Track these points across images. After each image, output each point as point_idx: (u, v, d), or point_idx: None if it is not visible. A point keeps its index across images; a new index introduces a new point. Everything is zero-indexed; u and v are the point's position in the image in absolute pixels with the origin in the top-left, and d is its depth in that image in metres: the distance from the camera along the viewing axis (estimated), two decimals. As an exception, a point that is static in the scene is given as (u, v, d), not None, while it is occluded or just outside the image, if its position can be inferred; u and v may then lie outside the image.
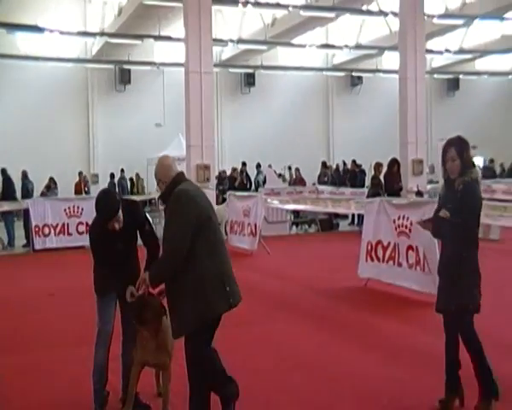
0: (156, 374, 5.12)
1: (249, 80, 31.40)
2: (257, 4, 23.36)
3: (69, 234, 15.60)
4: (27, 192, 17.91)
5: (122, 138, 28.32)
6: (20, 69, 27.08)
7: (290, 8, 22.94)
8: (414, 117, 17.26)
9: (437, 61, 33.02)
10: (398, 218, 9.08)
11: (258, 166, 24.03)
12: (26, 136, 26.58)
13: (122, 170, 24.87)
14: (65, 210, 15.69)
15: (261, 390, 5.23)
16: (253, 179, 22.96)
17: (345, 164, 24.99)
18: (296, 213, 18.82)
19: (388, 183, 15.10)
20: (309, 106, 32.38)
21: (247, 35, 28.49)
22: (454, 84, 35.26)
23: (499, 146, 30.94)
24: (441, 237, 4.86)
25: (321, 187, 21.08)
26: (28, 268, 13.45)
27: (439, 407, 4.74)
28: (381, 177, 15.74)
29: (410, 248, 8.79)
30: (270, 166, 24.09)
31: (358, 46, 29.89)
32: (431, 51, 27.39)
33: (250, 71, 31.15)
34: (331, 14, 23.42)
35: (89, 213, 15.56)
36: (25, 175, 18.43)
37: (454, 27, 26.40)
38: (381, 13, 24.67)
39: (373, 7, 24.87)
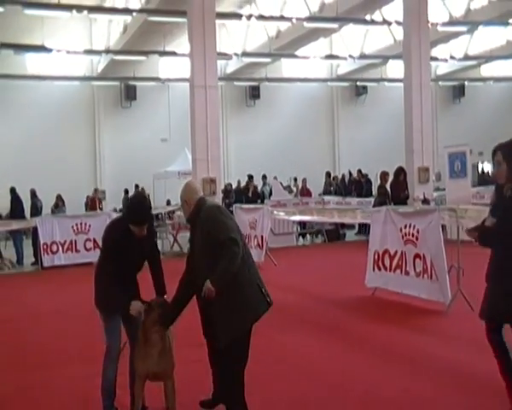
0: (164, 388, 5.08)
1: (254, 93, 31.52)
2: (261, 17, 23.54)
3: (77, 251, 15.62)
4: (37, 210, 17.99)
5: (128, 154, 28.47)
6: (27, 89, 27.35)
7: (294, 21, 23.07)
8: (419, 125, 17.26)
9: (442, 69, 33.03)
10: (405, 226, 9.05)
11: (264, 177, 24.05)
12: (34, 154, 26.77)
13: (136, 185, 24.85)
14: (72, 227, 15.72)
15: (268, 400, 5.19)
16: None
17: (350, 174, 24.98)
18: (302, 224, 18.80)
19: (394, 191, 15.07)
20: (314, 117, 32.44)
21: (251, 48, 28.65)
22: (459, 91, 35.25)
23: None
24: (488, 246, 4.60)
25: (327, 197, 21.06)
26: (37, 286, 13.47)
27: None
28: (388, 186, 15.71)
29: (417, 256, 8.74)
30: (275, 178, 24.08)
31: (363, 56, 29.99)
32: (436, 59, 27.45)
33: (255, 84, 31.28)
34: (335, 25, 23.50)
35: (96, 229, 15.61)
36: (33, 193, 18.52)
37: (458, 34, 26.45)
38: (385, 22, 24.78)
39: (376, 16, 24.97)
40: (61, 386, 6.11)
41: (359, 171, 22.80)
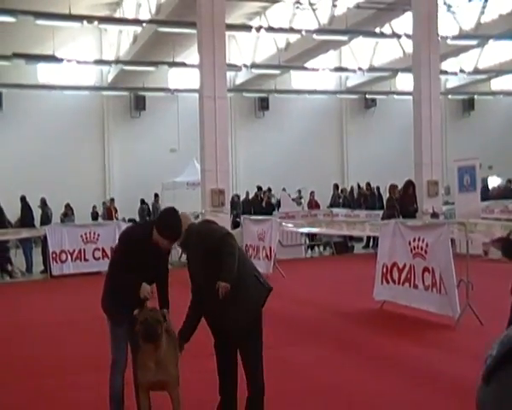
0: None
1: (263, 104, 31.60)
2: (270, 29, 23.63)
3: (86, 260, 15.68)
4: (47, 219, 18.07)
5: (137, 164, 28.58)
6: (38, 98, 27.57)
7: (303, 33, 23.15)
8: (429, 138, 17.23)
9: (452, 82, 33.02)
10: (414, 240, 9.02)
11: (269, 190, 24.03)
12: (43, 163, 26.92)
13: (156, 195, 24.87)
14: (81, 236, 15.79)
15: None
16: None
17: (359, 186, 24.96)
18: (311, 236, 18.78)
19: (403, 205, 15.04)
20: (323, 129, 32.47)
21: (260, 59, 28.78)
22: (469, 105, 35.19)
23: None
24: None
25: (335, 210, 21.03)
26: (45, 294, 13.53)
27: None
28: (396, 199, 15.68)
29: (425, 269, 8.71)
30: (284, 189, 24.11)
31: (372, 68, 30.03)
32: (445, 72, 27.43)
33: (264, 95, 31.36)
34: (344, 38, 23.57)
35: (105, 238, 15.71)
36: (44, 202, 18.61)
37: (468, 48, 26.43)
38: (395, 35, 24.81)
39: (386, 29, 25.01)
40: (68, 395, 6.11)
41: (368, 183, 22.77)
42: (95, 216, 24.61)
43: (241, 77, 29.92)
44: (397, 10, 21.73)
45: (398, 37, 24.48)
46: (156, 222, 4.79)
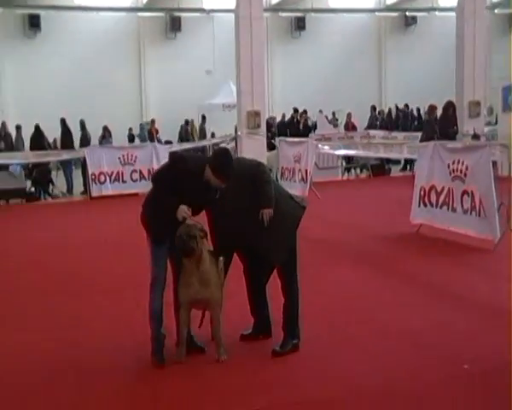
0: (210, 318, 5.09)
1: (299, 24, 30.80)
2: None
3: (123, 181, 15.94)
4: (86, 141, 18.28)
5: (173, 86, 28.41)
6: (75, 20, 27.40)
7: None
8: (471, 56, 16.57)
9: (498, -4, 31.48)
10: (453, 162, 8.87)
11: (306, 112, 23.71)
12: (80, 85, 26.95)
13: (203, 116, 24.77)
14: (119, 158, 16.00)
15: (314, 333, 5.26)
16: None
17: (397, 108, 24.46)
18: (347, 158, 18.61)
19: (443, 126, 14.68)
20: (361, 49, 31.59)
21: (297, -23, 27.87)
22: (516, 20, 33.64)
23: None
24: None
25: (373, 132, 20.72)
26: (85, 214, 13.87)
27: None
28: (436, 120, 15.33)
29: (465, 192, 8.60)
30: (320, 111, 23.77)
31: (413, -16, 28.85)
32: (491, -14, 26.15)
33: (300, 15, 30.54)
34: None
35: (142, 160, 15.94)
36: (82, 125, 18.79)
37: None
38: None
39: None
40: (108, 313, 6.32)
41: (406, 105, 22.29)
42: (131, 138, 24.76)
43: (278, -4, 29.12)
44: None
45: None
46: (210, 160, 4.83)
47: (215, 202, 4.84)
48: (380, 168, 18.51)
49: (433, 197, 9.31)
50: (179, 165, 4.88)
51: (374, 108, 24.39)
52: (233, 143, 17.05)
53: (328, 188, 15.21)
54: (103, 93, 27.49)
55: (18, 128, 20.59)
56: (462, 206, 8.63)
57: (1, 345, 5.48)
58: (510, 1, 30.75)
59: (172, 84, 28.51)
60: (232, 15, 16.75)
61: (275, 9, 29.64)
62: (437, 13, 30.78)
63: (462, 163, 8.67)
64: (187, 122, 24.49)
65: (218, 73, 26.77)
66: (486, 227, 8.14)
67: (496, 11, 32.07)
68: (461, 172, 8.69)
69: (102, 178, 15.80)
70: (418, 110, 22.02)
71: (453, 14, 18.00)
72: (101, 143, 19.46)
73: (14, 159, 16.45)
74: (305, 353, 4.92)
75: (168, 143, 21.58)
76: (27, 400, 4.37)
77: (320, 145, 15.08)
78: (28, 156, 17.04)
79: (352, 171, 19.38)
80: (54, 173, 17.88)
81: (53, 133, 19.34)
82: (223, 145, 17.11)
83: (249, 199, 4.76)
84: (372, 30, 32.41)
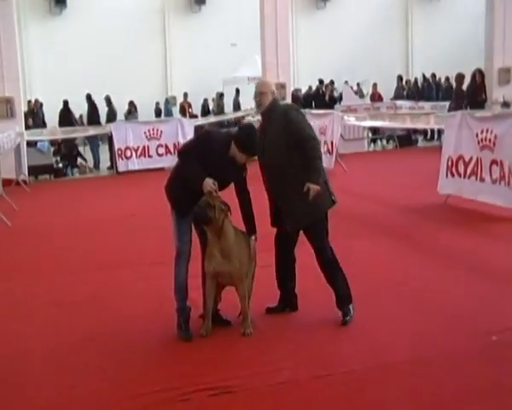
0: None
1: (324, -6, 30.33)
2: None
3: (149, 156, 16.02)
4: (113, 116, 18.37)
5: (198, 59, 28.31)
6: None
7: None
8: (502, 21, 16.16)
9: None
10: (482, 131, 8.73)
11: (332, 83, 23.41)
12: (106, 61, 26.99)
13: (237, 90, 24.70)
14: (145, 133, 16.07)
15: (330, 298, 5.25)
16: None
17: (424, 77, 24.04)
18: (374, 129, 18.43)
19: (471, 95, 14.45)
20: (386, 18, 31.02)
21: None
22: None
23: None
24: None
25: (399, 102, 20.43)
26: (112, 189, 14.01)
27: None
28: (464, 89, 15.06)
29: (494, 162, 8.47)
30: (346, 82, 23.48)
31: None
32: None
33: (326, -16, 30.06)
34: None
35: (168, 135, 15.98)
36: (108, 100, 18.86)
37: None
38: None
39: None
40: (135, 286, 6.39)
41: (433, 74, 21.87)
42: (158, 113, 24.79)
43: (302, -35, 28.66)
44: None
45: None
46: (235, 136, 4.84)
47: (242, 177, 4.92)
48: (406, 139, 18.31)
49: (461, 168, 9.19)
50: (205, 140, 4.91)
51: (400, 77, 23.98)
52: (258, 116, 16.96)
53: (355, 160, 15.11)
54: (129, 68, 27.50)
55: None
56: (491, 176, 8.50)
57: (32, 318, 5.61)
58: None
59: (197, 57, 28.41)
60: (256, -13, 16.59)
61: (299, -20, 29.22)
62: (466, -23, 30.01)
63: (491, 132, 8.52)
64: (221, 95, 24.24)
65: (243, 46, 26.55)
66: (515, 197, 8.02)
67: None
68: (489, 141, 8.55)
69: (128, 154, 15.91)
70: (447, 79, 21.57)
71: (482, -21, 17.56)
72: (127, 118, 19.54)
73: (42, 135, 16.62)
74: (334, 323, 4.94)
75: (193, 117, 21.58)
76: (58, 366, 4.49)
77: (346, 117, 14.93)
78: (56, 132, 17.22)
79: (379, 142, 19.21)
80: (81, 149, 18.08)
81: (79, 109, 19.47)
82: (248, 118, 17.06)
83: (286, 157, 4.82)
84: (398, -2, 31.78)
